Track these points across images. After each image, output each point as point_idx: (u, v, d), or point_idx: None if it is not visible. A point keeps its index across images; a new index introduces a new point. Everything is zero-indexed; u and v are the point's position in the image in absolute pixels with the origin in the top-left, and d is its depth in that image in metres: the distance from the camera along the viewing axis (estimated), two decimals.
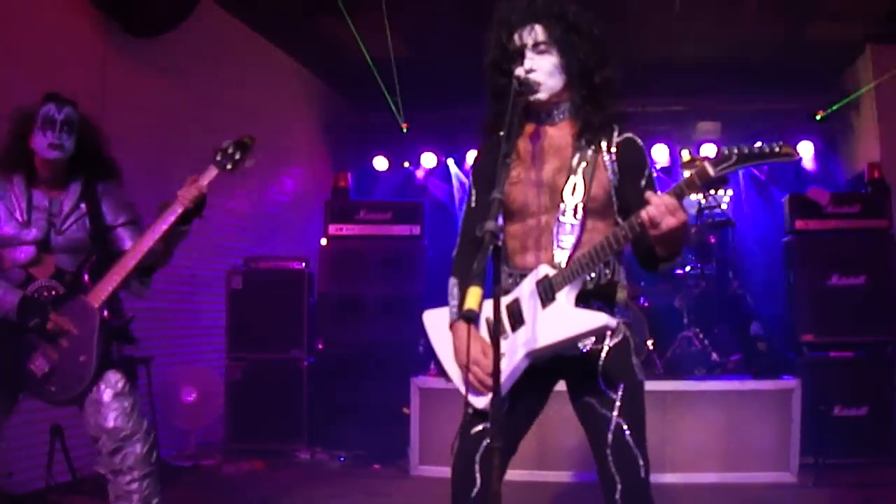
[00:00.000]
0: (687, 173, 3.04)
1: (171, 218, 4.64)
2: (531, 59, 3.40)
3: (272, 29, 9.48)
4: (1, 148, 4.58)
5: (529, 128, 3.47)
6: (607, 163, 3.41)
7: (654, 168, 11.04)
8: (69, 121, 4.56)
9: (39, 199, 4.54)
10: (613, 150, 3.42)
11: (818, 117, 10.39)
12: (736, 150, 2.97)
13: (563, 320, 3.22)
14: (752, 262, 10.50)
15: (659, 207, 2.94)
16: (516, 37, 3.44)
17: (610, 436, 3.31)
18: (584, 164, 3.39)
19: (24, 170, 4.56)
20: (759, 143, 2.99)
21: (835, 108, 10.11)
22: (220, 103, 8.66)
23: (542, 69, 3.40)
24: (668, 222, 2.95)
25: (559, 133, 3.50)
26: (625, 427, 3.32)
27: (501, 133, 3.29)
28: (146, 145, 7.74)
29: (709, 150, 10.56)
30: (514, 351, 3.26)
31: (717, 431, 7.16)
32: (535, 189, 3.43)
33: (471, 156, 10.66)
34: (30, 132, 4.49)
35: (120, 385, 4.55)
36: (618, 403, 3.34)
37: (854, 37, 9.54)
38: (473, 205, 3.67)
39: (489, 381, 3.13)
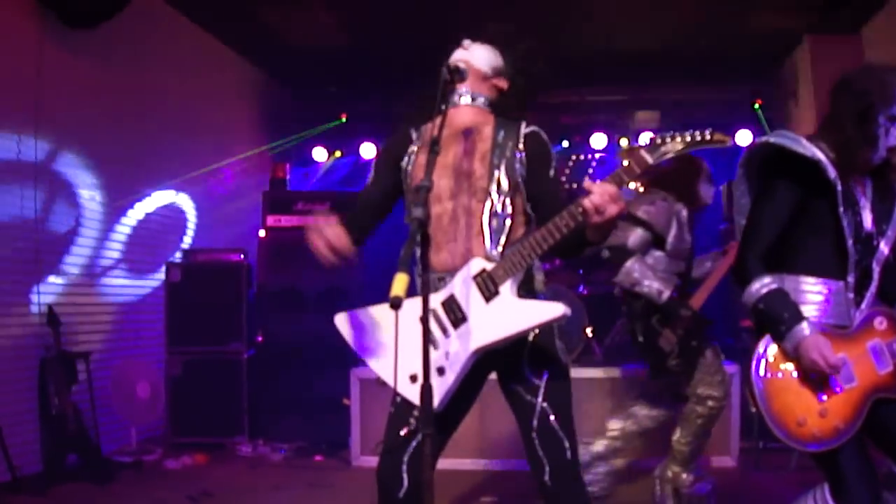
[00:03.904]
0: (625, 162, 3.09)
1: None
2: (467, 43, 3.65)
3: (211, 19, 9.37)
4: (674, 180, 5.83)
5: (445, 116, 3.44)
6: (517, 156, 3.51)
7: (594, 157, 11.18)
8: None
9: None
10: (521, 143, 3.53)
11: (756, 106, 10.52)
12: (669, 139, 3.05)
13: (514, 313, 3.27)
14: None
15: (602, 196, 2.99)
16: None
17: (535, 421, 3.39)
18: (504, 160, 3.49)
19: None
20: (693, 131, 3.07)
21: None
22: (158, 94, 8.58)
23: (473, 55, 3.63)
24: (611, 210, 3.00)
25: (471, 120, 3.61)
26: (549, 412, 3.40)
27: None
28: (83, 137, 7.67)
29: (647, 138, 10.67)
30: (459, 348, 3.28)
31: None
32: (440, 171, 3.46)
33: None
34: (697, 179, 5.86)
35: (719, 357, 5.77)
36: (542, 389, 3.42)
37: (793, 27, 9.65)
38: (369, 183, 3.77)
39: None
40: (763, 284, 3.48)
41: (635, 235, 5.69)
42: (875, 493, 3.48)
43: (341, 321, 3.62)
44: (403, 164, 3.62)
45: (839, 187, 3.48)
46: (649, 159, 3.04)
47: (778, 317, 3.44)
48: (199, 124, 9.48)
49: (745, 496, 6.38)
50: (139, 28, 8.07)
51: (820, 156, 3.47)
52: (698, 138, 3.04)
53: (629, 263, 5.63)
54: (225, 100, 10.33)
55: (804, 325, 3.38)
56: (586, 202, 3.02)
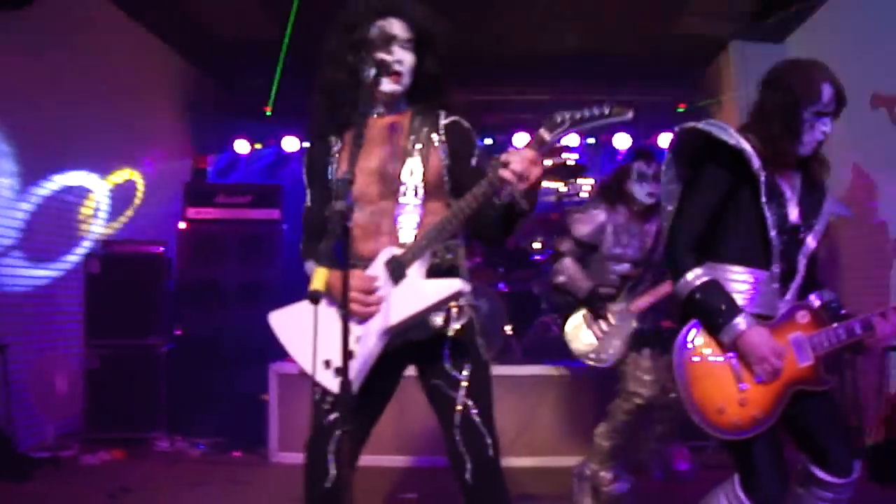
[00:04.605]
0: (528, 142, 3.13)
1: None
2: (398, 52, 3.50)
3: (135, 6, 9.27)
4: (605, 188, 6.30)
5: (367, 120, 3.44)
6: (437, 144, 3.53)
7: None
8: (656, 175, 5.89)
9: (634, 230, 6.11)
10: (442, 132, 3.55)
11: (680, 110, 10.65)
12: (568, 115, 3.07)
13: (416, 292, 3.30)
14: None
15: (523, 162, 3.02)
16: (387, 25, 3.51)
17: (457, 416, 3.39)
18: (419, 146, 3.50)
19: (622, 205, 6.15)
20: (592, 106, 3.08)
21: (700, 104, 10.40)
22: (79, 81, 8.46)
23: (406, 63, 3.52)
24: (536, 172, 3.05)
25: (392, 124, 3.59)
26: (471, 407, 3.40)
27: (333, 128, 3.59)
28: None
29: (570, 139, 10.83)
30: (370, 334, 3.31)
31: (576, 414, 7.31)
32: (367, 178, 3.47)
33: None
34: (626, 180, 6.09)
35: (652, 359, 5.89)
36: (464, 384, 3.42)
37: (718, 34, 9.78)
38: (310, 203, 3.71)
39: (371, 307, 3.30)
40: (697, 275, 3.53)
41: (567, 243, 6.27)
42: (785, 485, 3.56)
43: (274, 319, 3.60)
44: (329, 173, 3.60)
45: (762, 178, 3.56)
46: (547, 137, 3.08)
47: (715, 308, 3.49)
48: (121, 112, 9.35)
49: (665, 495, 6.43)
50: (61, 12, 7.95)
51: (745, 145, 3.56)
52: (596, 113, 3.05)
53: (555, 264, 6.26)
54: (148, 88, 10.19)
55: (741, 318, 3.45)
56: (506, 173, 3.04)
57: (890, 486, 6.21)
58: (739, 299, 3.56)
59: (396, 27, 3.51)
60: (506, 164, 3.04)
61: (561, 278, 6.20)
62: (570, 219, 6.31)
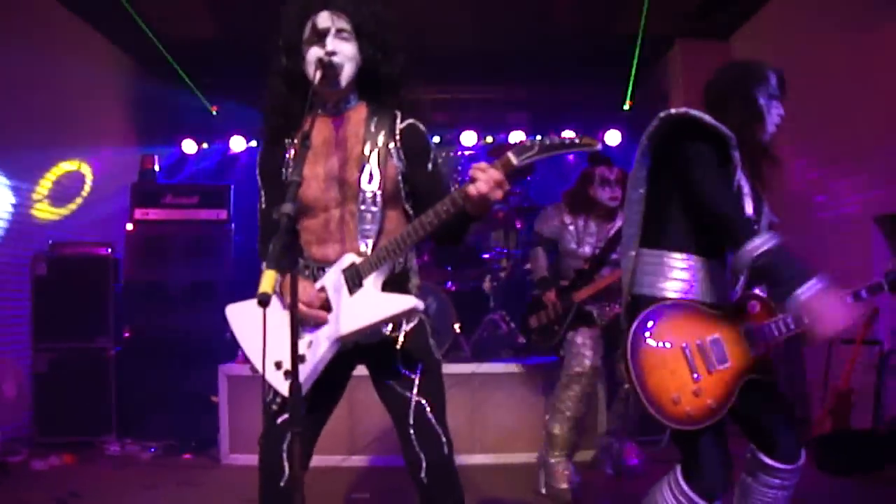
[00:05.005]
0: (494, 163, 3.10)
1: None
2: (333, 43, 3.42)
3: (82, 4, 9.16)
4: (571, 193, 6.72)
5: (315, 120, 3.32)
6: (393, 150, 3.48)
7: (463, 153, 11.23)
8: (618, 179, 6.45)
9: (592, 229, 6.57)
10: (397, 136, 3.50)
11: (625, 107, 10.71)
12: (538, 141, 3.05)
13: (371, 305, 3.30)
14: None
15: (489, 183, 3.00)
16: (318, 19, 3.45)
17: (412, 415, 3.41)
18: (375, 152, 3.45)
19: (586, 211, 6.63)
20: (565, 133, 3.08)
21: (629, 94, 10.48)
22: (21, 79, 8.34)
23: (343, 53, 3.43)
24: (497, 195, 3.03)
25: (344, 124, 3.56)
26: (425, 405, 3.42)
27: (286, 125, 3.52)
28: None
29: (517, 137, 10.89)
30: (321, 341, 3.32)
31: (525, 411, 7.37)
32: (323, 184, 3.46)
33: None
34: (590, 185, 6.52)
35: (587, 337, 6.29)
36: (417, 383, 3.45)
37: (664, 32, 9.84)
38: (265, 205, 3.67)
39: (320, 315, 3.32)
40: (765, 240, 3.25)
41: (538, 237, 6.83)
42: (727, 476, 3.58)
43: (230, 312, 3.61)
44: (283, 175, 3.55)
45: (739, 170, 3.59)
46: (514, 161, 3.04)
47: (790, 264, 3.23)
48: (66, 112, 9.24)
49: (616, 490, 6.47)
50: (4, 9, 7.87)
51: (732, 134, 3.56)
52: (567, 141, 3.05)
53: (531, 251, 6.88)
54: (93, 88, 10.04)
55: (815, 279, 3.18)
56: (472, 189, 3.03)
57: (837, 476, 6.30)
58: (684, 287, 3.60)
59: (329, 19, 3.44)
60: (473, 181, 3.04)
61: (528, 265, 7.11)
62: (538, 215, 6.92)
